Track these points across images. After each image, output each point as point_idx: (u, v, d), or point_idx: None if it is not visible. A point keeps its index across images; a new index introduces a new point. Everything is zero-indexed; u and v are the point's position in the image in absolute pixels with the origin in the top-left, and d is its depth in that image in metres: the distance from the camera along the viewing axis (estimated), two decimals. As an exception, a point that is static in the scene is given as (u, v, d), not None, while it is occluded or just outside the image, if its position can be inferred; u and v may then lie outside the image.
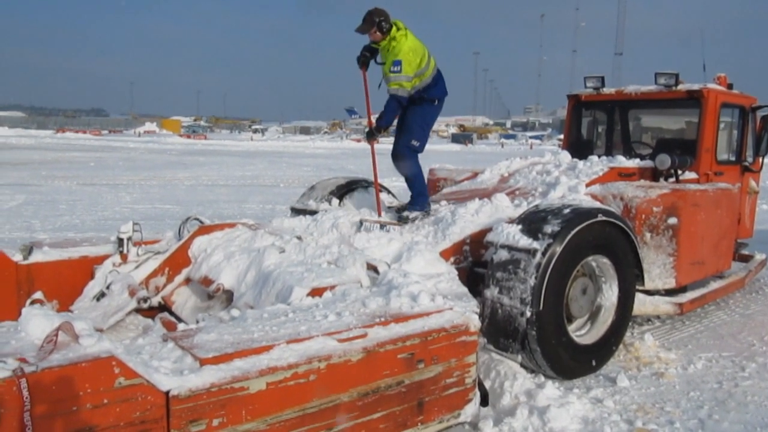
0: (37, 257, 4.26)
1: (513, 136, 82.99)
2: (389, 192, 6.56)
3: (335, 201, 5.97)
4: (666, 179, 5.79)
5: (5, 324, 2.96)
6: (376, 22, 5.09)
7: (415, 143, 5.35)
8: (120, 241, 4.48)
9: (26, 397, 1.99)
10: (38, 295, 4.14)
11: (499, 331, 3.99)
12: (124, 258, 4.46)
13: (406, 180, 5.44)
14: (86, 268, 4.42)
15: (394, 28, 5.17)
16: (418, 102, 5.35)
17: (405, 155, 5.36)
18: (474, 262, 4.52)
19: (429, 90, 5.33)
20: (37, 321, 2.44)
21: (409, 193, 5.39)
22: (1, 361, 2.03)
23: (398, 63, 5.12)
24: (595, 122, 7.50)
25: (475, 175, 6.60)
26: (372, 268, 3.75)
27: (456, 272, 3.98)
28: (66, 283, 4.32)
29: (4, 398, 1.97)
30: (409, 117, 5.41)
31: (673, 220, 4.85)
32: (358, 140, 63.71)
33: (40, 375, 2.05)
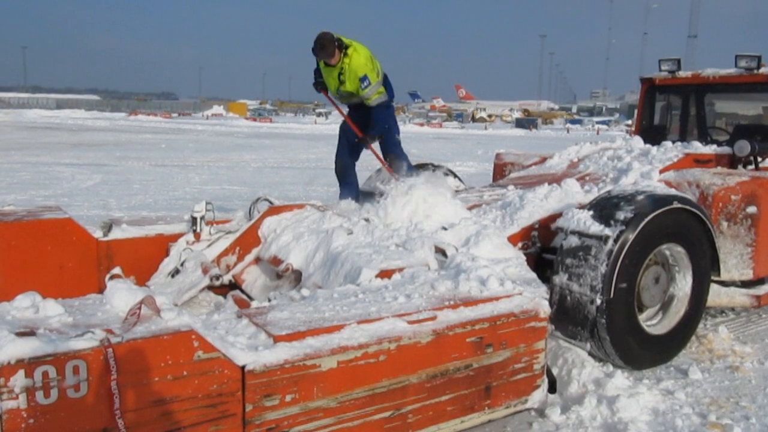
0: (116, 234, 4.42)
1: (579, 121, 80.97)
2: (455, 176, 6.53)
3: (402, 184, 5.98)
4: (744, 166, 5.57)
5: (91, 296, 3.11)
6: (336, 46, 5.39)
7: (398, 137, 5.99)
8: (193, 219, 4.61)
9: (113, 366, 2.08)
10: (117, 270, 4.31)
11: (568, 318, 3.93)
12: (197, 236, 4.59)
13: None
14: (161, 245, 4.57)
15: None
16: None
17: (399, 153, 5.89)
18: (542, 248, 4.46)
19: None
20: (122, 294, 2.56)
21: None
22: (89, 332, 2.14)
23: (365, 78, 5.51)
24: (669, 107, 7.25)
25: (543, 160, 6.48)
26: (440, 251, 3.75)
27: (524, 257, 3.94)
28: (142, 259, 4.47)
29: (93, 366, 2.07)
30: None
31: (752, 209, 4.66)
32: (421, 124, 63.60)
33: (126, 345, 2.14)
